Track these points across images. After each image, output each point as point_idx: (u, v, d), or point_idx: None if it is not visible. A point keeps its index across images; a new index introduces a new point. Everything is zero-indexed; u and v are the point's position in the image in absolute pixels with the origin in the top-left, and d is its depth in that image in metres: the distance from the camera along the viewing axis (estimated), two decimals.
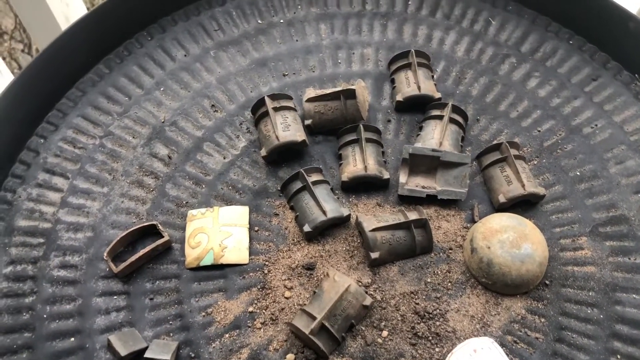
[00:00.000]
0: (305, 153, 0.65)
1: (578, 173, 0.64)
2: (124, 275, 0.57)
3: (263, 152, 0.63)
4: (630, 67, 0.71)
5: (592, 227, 0.60)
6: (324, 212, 0.58)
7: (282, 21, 0.76)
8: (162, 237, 0.59)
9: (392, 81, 0.70)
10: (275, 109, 0.64)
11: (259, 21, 0.76)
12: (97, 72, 0.71)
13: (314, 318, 0.52)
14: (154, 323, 0.56)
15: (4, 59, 1.01)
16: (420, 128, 0.66)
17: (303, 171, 0.60)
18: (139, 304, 0.56)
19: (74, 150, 0.65)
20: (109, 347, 0.53)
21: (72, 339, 0.54)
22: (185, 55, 0.73)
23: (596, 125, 0.67)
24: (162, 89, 0.70)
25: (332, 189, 0.61)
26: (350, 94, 0.64)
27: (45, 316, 0.55)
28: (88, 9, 1.06)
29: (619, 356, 0.53)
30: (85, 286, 0.57)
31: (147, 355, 0.53)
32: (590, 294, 0.57)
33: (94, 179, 0.63)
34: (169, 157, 0.65)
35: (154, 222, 0.59)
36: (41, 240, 0.60)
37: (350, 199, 0.62)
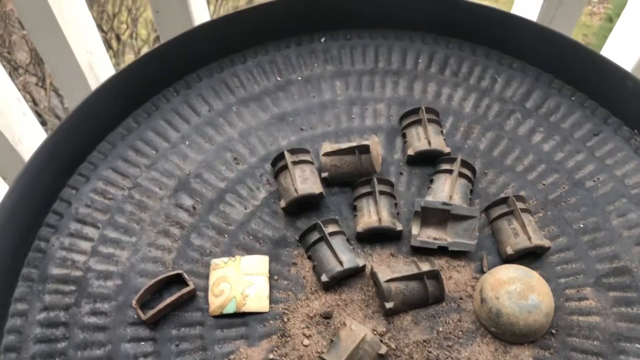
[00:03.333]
0: (322, 204, 0.69)
1: (582, 225, 0.67)
2: (151, 323, 0.61)
3: (282, 203, 0.67)
4: (629, 122, 0.75)
5: (596, 278, 0.63)
6: (341, 263, 0.61)
7: (299, 78, 0.81)
8: (188, 285, 0.62)
9: (404, 136, 0.74)
10: (294, 163, 0.68)
11: (278, 78, 0.81)
12: (126, 126, 0.76)
13: None
14: None
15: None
16: (431, 181, 0.69)
17: (320, 222, 0.64)
18: (165, 350, 0.59)
19: (104, 201, 0.69)
20: None
21: None
22: (209, 111, 0.77)
23: (598, 178, 0.71)
24: (187, 142, 0.74)
25: (347, 239, 0.65)
26: (365, 149, 0.68)
27: None
28: (111, 58, 1.12)
29: None
30: (114, 332, 0.60)
31: None
32: (595, 343, 0.59)
33: (122, 228, 0.67)
34: (194, 208, 0.69)
35: (180, 271, 0.63)
36: (73, 287, 0.63)
37: (365, 249, 0.66)
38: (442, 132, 0.73)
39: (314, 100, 0.79)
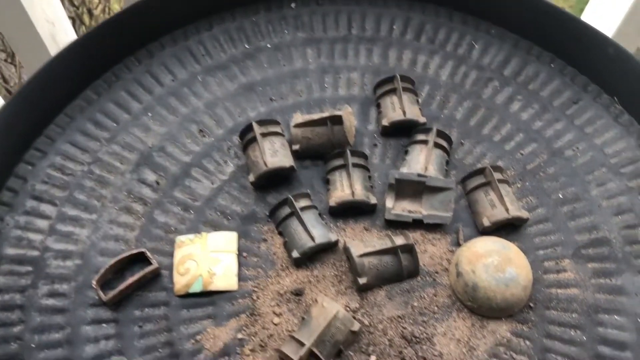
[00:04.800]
0: (293, 178, 0.66)
1: (560, 196, 0.65)
2: (113, 303, 0.58)
3: (251, 177, 0.64)
4: (609, 90, 0.73)
5: (575, 250, 0.62)
6: (312, 238, 0.59)
7: (269, 46, 0.77)
8: (151, 264, 0.59)
9: (378, 106, 0.71)
10: (263, 135, 0.65)
11: (246, 46, 0.77)
12: (85, 97, 0.72)
13: (302, 344, 0.53)
14: (143, 351, 0.56)
15: None
16: (406, 152, 0.67)
17: (291, 197, 0.61)
18: (128, 331, 0.56)
19: (62, 177, 0.66)
20: None
21: None
22: (173, 80, 0.73)
23: (577, 147, 0.69)
24: (149, 114, 0.71)
25: (320, 214, 0.62)
26: (337, 120, 0.65)
27: (33, 345, 0.55)
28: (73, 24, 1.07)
29: None
30: (74, 314, 0.57)
31: None
32: (574, 315, 0.58)
33: (82, 205, 0.64)
34: (157, 183, 0.65)
35: (143, 250, 0.60)
36: (29, 268, 0.60)
37: (338, 224, 0.63)
38: (417, 101, 0.71)
39: (284, 69, 0.75)
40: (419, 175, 0.62)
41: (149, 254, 0.59)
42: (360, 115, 0.71)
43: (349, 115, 0.67)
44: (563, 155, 0.68)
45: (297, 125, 0.66)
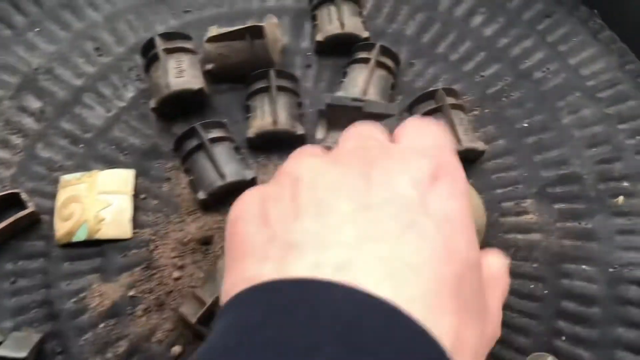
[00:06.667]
0: (207, 105, 0.55)
1: (525, 125, 0.55)
2: None
3: (152, 103, 0.53)
4: (588, 0, 0.61)
5: (540, 188, 0.52)
6: (222, 176, 0.48)
7: None
8: (26, 208, 0.48)
9: (314, 18, 0.59)
10: (168, 51, 0.53)
11: None
12: None
13: (203, 304, 0.44)
14: (15, 312, 0.46)
15: None
16: (345, 74, 0.56)
17: (198, 126, 0.50)
18: None
19: None
20: None
21: None
22: None
23: (548, 69, 0.58)
24: (36, 29, 0.58)
25: (237, 147, 0.52)
26: (258, 33, 0.53)
27: None
28: None
29: (563, 337, 0.46)
30: None
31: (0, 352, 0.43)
32: (535, 265, 0.49)
33: None
34: (42, 112, 0.54)
35: (17, 190, 0.49)
36: None
37: (259, 159, 0.53)
38: (360, 13, 0.59)
39: None
40: (355, 99, 0.51)
41: (24, 195, 0.49)
42: (292, 30, 0.59)
43: (274, 28, 0.55)
44: (531, 77, 0.58)
45: (211, 40, 0.54)
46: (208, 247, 0.48)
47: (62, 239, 0.48)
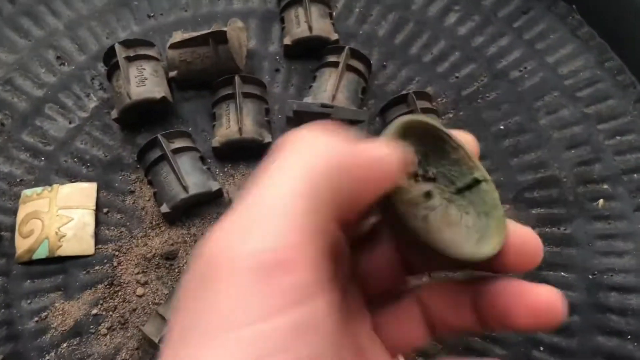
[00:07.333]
0: (171, 114, 0.53)
1: (502, 127, 0.53)
2: None
3: (114, 114, 0.51)
4: None
5: (517, 193, 0.50)
6: (185, 188, 0.47)
7: None
8: None
9: (282, 20, 0.57)
10: (129, 59, 0.51)
11: None
12: None
13: (167, 322, 0.42)
14: None
15: None
16: (314, 78, 0.54)
17: (161, 136, 0.48)
18: None
19: None
20: None
21: None
22: None
23: (525, 68, 0.56)
24: None
25: (202, 157, 0.50)
26: (221, 38, 0.51)
27: None
28: None
29: (541, 348, 0.44)
30: None
31: None
32: (511, 275, 0.47)
33: None
34: (2, 124, 0.52)
35: None
36: None
37: (225, 169, 0.51)
38: (330, 14, 0.57)
39: None
40: (323, 105, 0.49)
41: None
42: (259, 34, 0.58)
43: (238, 31, 0.53)
44: (507, 77, 0.56)
45: (173, 46, 0.52)
46: (173, 262, 0.47)
47: (22, 256, 0.47)
